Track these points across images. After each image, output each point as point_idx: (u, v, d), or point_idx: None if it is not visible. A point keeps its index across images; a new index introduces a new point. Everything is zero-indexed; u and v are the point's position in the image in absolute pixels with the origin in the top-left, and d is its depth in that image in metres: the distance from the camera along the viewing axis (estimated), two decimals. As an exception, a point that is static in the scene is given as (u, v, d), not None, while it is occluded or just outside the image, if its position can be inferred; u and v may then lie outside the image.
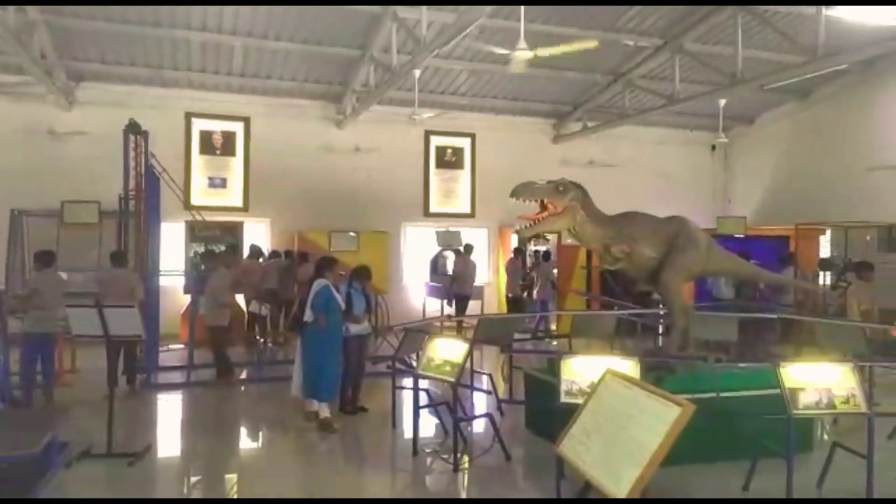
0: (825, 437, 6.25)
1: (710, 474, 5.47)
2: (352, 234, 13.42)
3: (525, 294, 14.27)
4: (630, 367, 5.05)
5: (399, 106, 13.43)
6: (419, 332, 7.10)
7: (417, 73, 10.43)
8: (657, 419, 2.39)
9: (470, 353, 5.88)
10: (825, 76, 12.77)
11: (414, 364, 6.63)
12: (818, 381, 4.87)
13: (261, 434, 7.20)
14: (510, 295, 13.61)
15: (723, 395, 5.54)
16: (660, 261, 6.43)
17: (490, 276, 15.18)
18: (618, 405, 2.67)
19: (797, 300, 11.26)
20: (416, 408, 6.19)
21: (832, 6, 9.29)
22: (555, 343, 11.17)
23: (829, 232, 13.42)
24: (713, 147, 16.30)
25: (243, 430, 7.32)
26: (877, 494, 4.79)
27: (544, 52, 7.63)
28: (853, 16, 9.54)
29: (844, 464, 5.15)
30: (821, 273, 11.79)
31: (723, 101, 12.24)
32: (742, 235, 13.75)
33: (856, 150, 13.16)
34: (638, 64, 12.80)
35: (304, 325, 6.96)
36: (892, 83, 12.28)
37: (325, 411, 6.85)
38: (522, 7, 7.93)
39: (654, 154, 15.83)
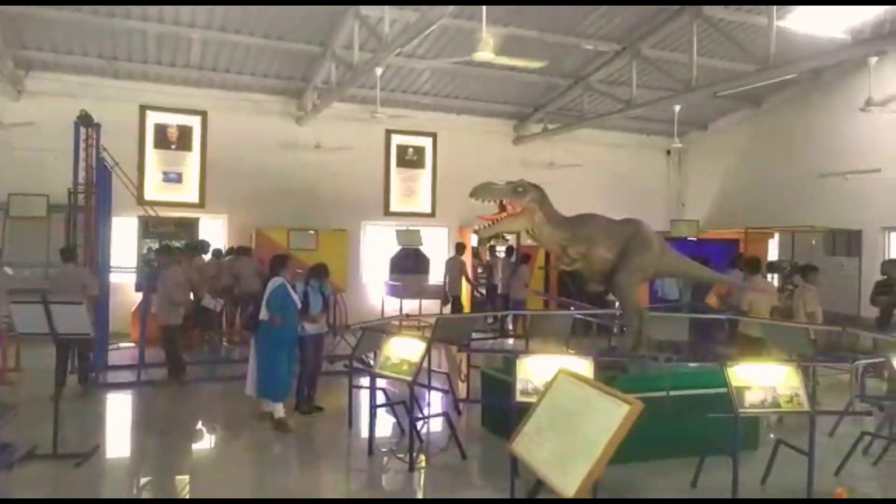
0: (770, 434, 6.45)
1: (660, 471, 5.61)
2: (311, 231, 13.29)
3: (483, 294, 14.38)
4: (584, 366, 5.15)
5: (361, 104, 13.38)
6: (377, 331, 7.08)
7: (379, 71, 10.40)
8: (607, 417, 2.44)
9: (427, 353, 5.88)
10: (776, 85, 13.18)
11: (371, 363, 6.61)
12: (763, 380, 5.05)
13: (214, 434, 7.08)
14: (455, 294, 13.34)
15: (673, 393, 5.68)
16: (615, 262, 6.55)
17: (450, 275, 15.21)
18: (570, 404, 2.71)
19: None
20: (373, 407, 6.18)
21: (783, 17, 9.61)
22: (512, 342, 11.31)
23: (777, 236, 13.86)
24: (668, 152, 16.67)
25: (195, 431, 7.18)
26: (816, 489, 4.96)
27: (500, 60, 7.68)
28: (802, 27, 9.87)
29: (788, 460, 5.34)
30: (769, 275, 12.16)
31: (678, 107, 12.55)
32: (695, 238, 14.12)
33: (804, 157, 13.63)
34: (597, 68, 13.00)
35: (258, 324, 6.87)
36: (838, 93, 12.75)
37: (279, 411, 6.77)
38: (484, 8, 7.98)
39: (611, 157, 16.10)
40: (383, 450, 6.14)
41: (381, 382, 6.70)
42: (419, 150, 15.24)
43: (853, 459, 5.88)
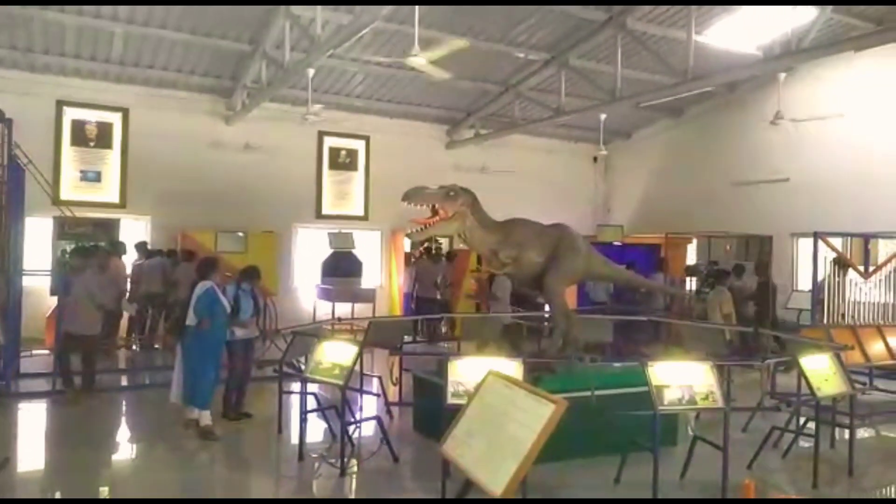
0: (689, 430, 6.75)
1: (586, 469, 5.79)
2: (240, 234, 13.00)
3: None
4: (514, 367, 5.26)
5: (292, 104, 13.20)
6: (308, 335, 7.00)
7: (311, 72, 10.28)
8: (533, 417, 2.52)
9: (359, 357, 5.87)
10: (695, 97, 13.85)
11: (302, 368, 6.53)
12: (681, 379, 5.29)
13: (136, 444, 6.82)
14: (423, 296, 12.99)
15: (598, 393, 5.87)
16: (544, 266, 6.72)
17: (383, 278, 15.20)
18: (498, 404, 2.78)
19: (667, 304, 12.12)
20: (303, 412, 6.11)
21: (701, 32, 10.11)
22: (445, 345, 11.38)
23: (695, 241, 14.54)
24: (595, 159, 17.19)
25: (116, 440, 6.90)
26: (730, 482, 5.23)
27: (431, 55, 7.75)
28: (719, 42, 10.42)
29: (705, 455, 5.60)
30: (687, 279, 12.76)
31: (603, 116, 12.99)
32: (619, 243, 14.62)
33: (720, 167, 14.37)
34: (527, 76, 13.30)
35: (185, 329, 6.66)
36: (751, 106, 13.49)
37: (205, 418, 6.59)
38: (417, 12, 8.04)
39: (541, 163, 16.47)
40: (314, 455, 6.08)
41: (312, 387, 6.64)
42: (352, 153, 15.15)
43: (765, 453, 6.23)
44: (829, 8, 8.78)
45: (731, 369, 8.14)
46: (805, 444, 6.31)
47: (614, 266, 7.90)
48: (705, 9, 10.08)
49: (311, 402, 6.60)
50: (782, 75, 11.30)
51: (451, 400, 5.16)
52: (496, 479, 2.44)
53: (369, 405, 7.81)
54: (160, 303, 10.96)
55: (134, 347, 11.10)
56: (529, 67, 13.01)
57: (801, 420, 6.59)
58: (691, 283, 12.67)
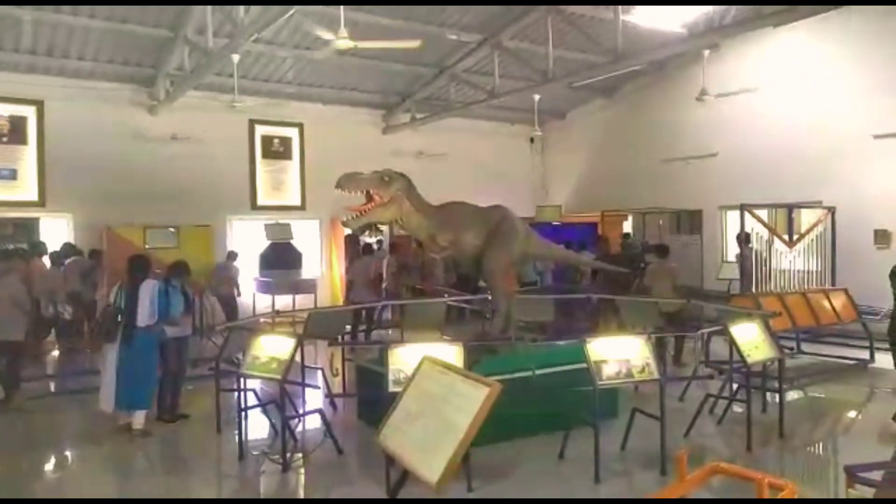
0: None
1: (531, 446, 5.85)
2: (171, 229, 12.52)
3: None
4: (454, 352, 5.24)
5: (219, 92, 12.75)
6: (244, 329, 6.80)
7: (236, 57, 9.93)
8: (468, 401, 2.48)
9: (297, 349, 5.73)
10: (625, 76, 14.10)
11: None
12: (619, 353, 5.39)
13: (67, 453, 6.48)
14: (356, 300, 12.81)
15: (540, 371, 5.92)
16: (483, 248, 6.71)
17: (324, 268, 14.95)
18: (434, 391, 2.73)
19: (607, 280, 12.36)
20: (240, 409, 5.95)
21: (629, 12, 10.24)
22: (389, 333, 11.30)
23: (630, 217, 14.86)
24: (532, 140, 17.30)
25: (45, 451, 6.54)
26: (669, 450, 5.35)
27: (365, 44, 7.59)
28: (646, 21, 10.58)
29: (644, 426, 5.73)
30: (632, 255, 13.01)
31: (537, 97, 13.05)
32: (558, 222, 14.82)
33: (651, 144, 14.70)
34: (461, 58, 13.22)
35: (133, 330, 6.33)
36: (680, 83, 13.80)
37: (139, 421, 6.34)
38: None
39: (479, 145, 16.46)
40: (255, 453, 5.93)
41: (254, 383, 6.47)
42: (286, 141, 14.77)
43: (701, 419, 6.43)
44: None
45: (668, 341, 8.42)
46: (739, 409, 6.53)
47: (552, 245, 7.98)
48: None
49: (252, 399, 6.45)
50: (706, 52, 11.59)
51: (392, 388, 5.10)
52: (433, 466, 2.39)
53: (313, 398, 7.68)
54: (81, 304, 10.45)
55: (59, 351, 10.57)
56: (463, 49, 12.93)
57: (734, 386, 6.82)
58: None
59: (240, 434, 5.89)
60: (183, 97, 12.09)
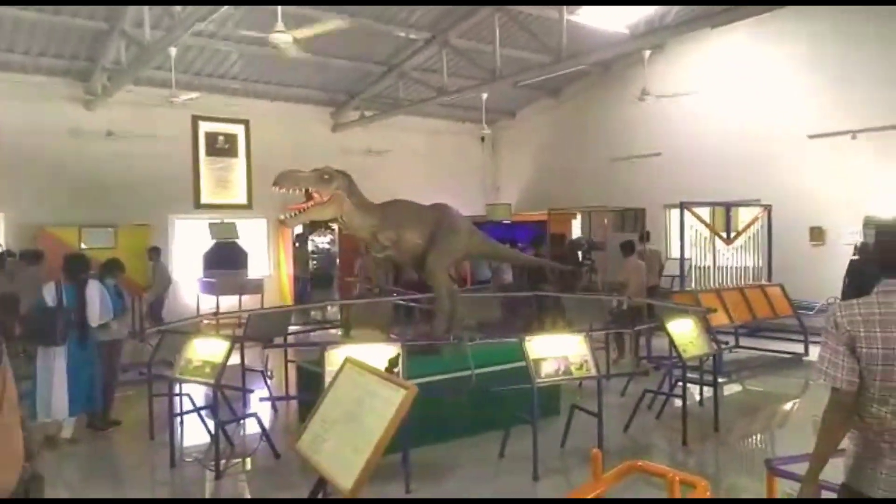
0: (578, 398, 6.90)
1: (472, 446, 5.83)
2: (108, 228, 12.10)
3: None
4: (393, 351, 5.17)
5: (160, 87, 12.35)
6: (179, 332, 6.59)
7: (174, 51, 9.65)
8: (385, 404, 2.42)
9: (230, 352, 5.56)
10: (571, 76, 14.25)
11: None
12: (557, 351, 5.41)
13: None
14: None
15: (481, 371, 5.89)
16: (425, 247, 6.66)
17: (271, 268, 14.69)
18: (352, 394, 2.66)
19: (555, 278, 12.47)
20: (173, 415, 5.76)
21: (574, 12, 10.33)
22: (338, 333, 11.14)
23: (578, 216, 15.03)
24: (482, 138, 17.35)
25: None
26: (607, 447, 5.40)
27: (300, 33, 7.44)
28: (591, 22, 10.69)
29: (584, 423, 5.76)
30: (576, 253, 13.15)
31: (485, 96, 13.07)
32: (508, 221, 14.88)
33: (597, 143, 14.91)
34: (409, 56, 13.14)
35: (86, 331, 6.09)
36: (623, 84, 14.03)
37: (68, 429, 6.07)
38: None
39: (429, 144, 16.43)
40: (188, 460, 5.75)
41: (191, 387, 6.27)
42: (231, 138, 14.44)
43: (641, 415, 6.52)
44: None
45: (610, 337, 8.53)
46: (678, 403, 6.63)
47: (495, 244, 7.98)
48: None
49: (187, 404, 6.26)
50: (647, 53, 11.79)
51: (328, 390, 5.00)
52: (347, 473, 2.32)
53: (253, 401, 7.50)
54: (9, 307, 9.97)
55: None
56: (411, 47, 12.85)
57: (673, 381, 6.93)
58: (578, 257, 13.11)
59: (172, 441, 5.69)
60: (121, 92, 11.69)
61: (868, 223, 10.08)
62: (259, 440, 5.84)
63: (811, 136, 11.48)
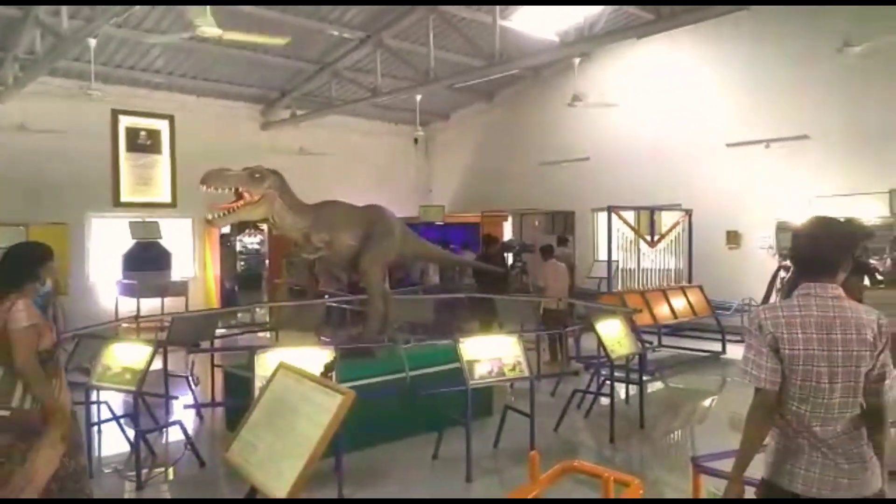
0: (512, 399, 6.99)
1: (405, 448, 5.81)
2: (20, 227, 11.38)
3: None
4: (326, 356, 5.08)
5: (78, 79, 11.73)
6: (97, 337, 6.27)
7: (93, 42, 9.17)
8: (321, 410, 2.37)
9: (153, 357, 5.34)
10: (504, 80, 14.44)
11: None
12: (491, 352, 5.46)
13: None
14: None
15: (416, 373, 5.89)
16: (358, 248, 6.60)
17: (196, 269, 14.19)
18: (286, 400, 2.60)
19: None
20: (90, 424, 5.47)
21: (507, 17, 10.48)
22: (268, 336, 10.89)
23: (510, 218, 15.27)
24: (416, 140, 17.34)
25: None
26: (538, 445, 5.49)
27: (231, 35, 7.23)
28: (523, 27, 10.87)
29: (517, 423, 5.84)
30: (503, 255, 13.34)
31: (419, 97, 13.07)
32: (441, 223, 14.93)
33: (529, 147, 15.19)
34: (343, 55, 12.98)
35: None
36: (554, 90, 14.33)
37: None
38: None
39: (362, 144, 16.28)
40: (106, 471, 5.48)
41: (110, 395, 5.97)
42: (154, 134, 13.86)
43: (570, 414, 6.67)
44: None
45: (541, 338, 8.68)
46: (606, 402, 6.82)
47: (430, 245, 7.99)
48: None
49: (106, 412, 5.96)
50: (577, 60, 12.10)
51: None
52: (280, 482, 2.26)
53: (178, 408, 7.23)
54: None
55: None
56: (345, 46, 12.69)
57: (601, 380, 7.11)
58: (509, 259, 13.31)
59: (89, 451, 5.40)
60: (35, 83, 11.01)
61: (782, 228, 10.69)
62: (183, 449, 5.63)
63: (728, 145, 12.06)
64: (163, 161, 13.93)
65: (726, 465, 2.49)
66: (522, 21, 10.86)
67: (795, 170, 11.34)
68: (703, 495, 3.35)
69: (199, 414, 6.93)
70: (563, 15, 10.24)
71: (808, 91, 11.14)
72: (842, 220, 2.67)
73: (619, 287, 9.94)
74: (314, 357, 5.05)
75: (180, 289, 12.51)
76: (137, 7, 8.42)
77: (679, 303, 10.03)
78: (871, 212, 10.19)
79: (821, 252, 2.46)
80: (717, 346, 9.89)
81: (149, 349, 5.29)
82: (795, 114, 11.27)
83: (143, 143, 13.69)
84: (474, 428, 5.34)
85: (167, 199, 13.92)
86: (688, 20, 8.83)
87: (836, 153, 10.89)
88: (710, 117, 12.41)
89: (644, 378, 6.97)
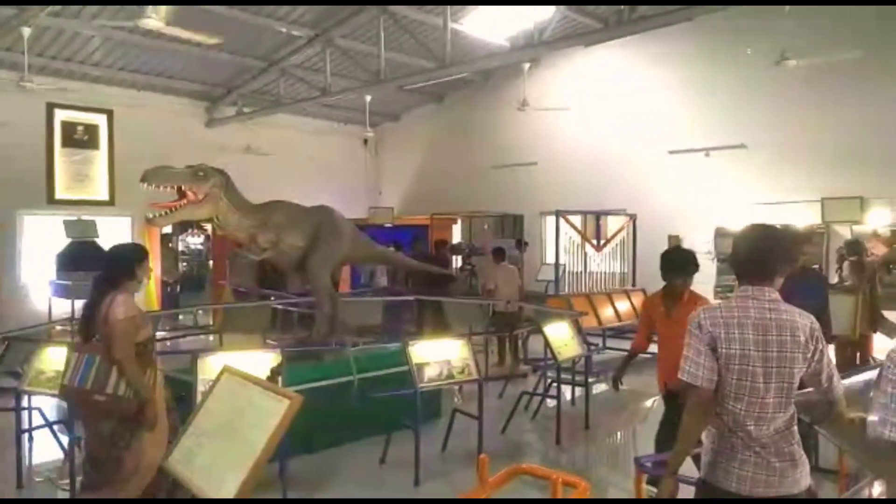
0: (458, 401, 6.98)
1: (353, 452, 5.75)
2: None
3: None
4: (272, 359, 4.98)
5: (9, 70, 11.21)
6: (28, 340, 5.98)
7: (27, 31, 8.78)
8: (267, 415, 2.32)
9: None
10: (454, 83, 14.51)
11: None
12: (439, 355, 5.46)
13: None
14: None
15: (364, 376, 5.83)
16: (306, 250, 6.50)
17: (135, 270, 13.70)
18: (231, 405, 2.53)
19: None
20: (21, 431, 5.21)
21: (458, 21, 10.53)
22: (211, 339, 10.62)
23: (459, 221, 15.33)
24: (365, 141, 17.22)
25: None
26: (486, 447, 5.51)
27: (171, 30, 7.02)
28: (474, 31, 10.95)
29: (465, 426, 5.85)
30: (453, 257, 13.40)
31: (369, 98, 12.99)
32: (391, 225, 14.87)
33: (478, 151, 15.29)
34: (292, 52, 12.79)
35: None
36: (504, 94, 14.45)
37: None
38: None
39: (311, 144, 16.06)
40: (38, 479, 5.23)
41: (43, 401, 5.70)
42: (91, 129, 13.33)
43: (518, 416, 6.72)
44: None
45: (489, 340, 8.74)
46: (553, 404, 6.91)
47: (379, 248, 7.94)
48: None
49: (38, 419, 5.69)
50: (526, 66, 12.25)
51: (201, 400, 4.73)
52: (223, 489, 2.20)
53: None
54: None
55: None
56: (293, 43, 12.51)
57: (548, 382, 7.21)
58: (457, 262, 13.36)
59: (19, 459, 5.15)
60: (-39, 73, 10.48)
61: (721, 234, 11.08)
62: (121, 456, 5.41)
63: (671, 152, 12.42)
64: (100, 157, 13.41)
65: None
66: (473, 25, 10.94)
67: (734, 177, 11.76)
68: (645, 495, 3.42)
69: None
70: (513, 20, 10.36)
71: (747, 102, 11.56)
72: (779, 227, 2.77)
73: (566, 290, 10.10)
74: (260, 361, 4.94)
75: (118, 290, 12.06)
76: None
77: (623, 306, 10.25)
78: (803, 219, 10.66)
79: (759, 258, 2.55)
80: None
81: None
82: (734, 124, 11.68)
83: (79, 139, 13.15)
84: (423, 431, 5.33)
85: (105, 196, 13.42)
86: (633, 30, 9.07)
87: (773, 162, 11.34)
88: (654, 125, 12.75)
89: (589, 380, 7.07)
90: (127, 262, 3.92)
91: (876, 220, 10.59)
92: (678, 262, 4.58)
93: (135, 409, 3.58)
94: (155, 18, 6.52)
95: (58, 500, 5.05)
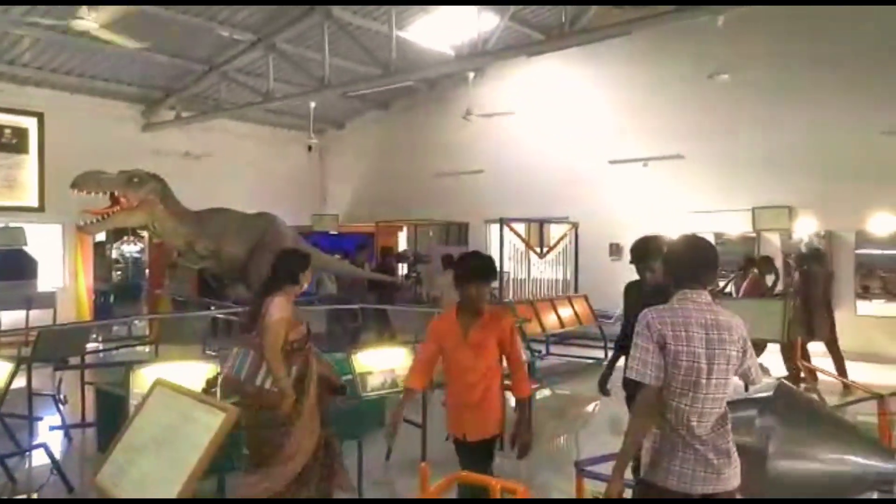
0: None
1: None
2: None
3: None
4: (209, 370, 4.85)
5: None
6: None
7: (-51, 29, 8.34)
8: (202, 428, 2.26)
9: (14, 375, 4.89)
10: (400, 91, 14.52)
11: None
12: (384, 363, 5.43)
13: None
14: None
15: (306, 386, 5.74)
16: (247, 258, 6.39)
17: (66, 279, 13.14)
18: (165, 419, 2.45)
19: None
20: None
21: (403, 28, 10.55)
22: (147, 350, 10.27)
23: (405, 228, 15.31)
24: (309, 147, 16.99)
25: None
26: (430, 456, 5.51)
27: (103, 33, 6.81)
28: (419, 39, 10.99)
29: (409, 434, 5.82)
30: (399, 265, 13.37)
31: (313, 104, 12.87)
32: (335, 232, 14.74)
33: (424, 158, 15.33)
34: (233, 57, 12.56)
35: None
36: (449, 102, 14.56)
37: None
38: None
39: (253, 150, 15.78)
40: (-44, 502, 4.94)
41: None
42: (20, 132, 12.77)
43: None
44: (510, 13, 9.79)
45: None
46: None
47: (324, 256, 7.88)
48: (406, 6, 10.53)
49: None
50: (471, 75, 12.38)
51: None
52: (155, 506, 2.13)
53: (42, 430, 6.65)
54: None
55: None
56: (235, 47, 12.28)
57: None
58: (402, 269, 13.34)
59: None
60: None
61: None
62: (49, 474, 5.17)
63: (611, 162, 12.74)
64: (30, 161, 12.86)
65: (607, 468, 2.60)
66: (418, 33, 10.99)
67: (671, 187, 12.14)
68: (590, 495, 3.49)
69: (67, 436, 6.40)
70: (458, 29, 10.44)
71: (683, 114, 11.97)
72: (704, 238, 2.92)
73: (511, 297, 10.21)
74: (196, 372, 4.81)
75: (47, 300, 11.58)
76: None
77: (566, 312, 10.43)
78: (735, 227, 11.10)
79: (690, 265, 2.70)
80: (600, 354, 10.35)
81: (10, 366, 4.84)
82: (671, 135, 12.07)
83: (7, 142, 12.59)
84: (366, 440, 5.28)
85: (34, 202, 12.85)
86: (574, 42, 9.28)
87: (708, 172, 11.77)
88: (595, 135, 13.06)
89: (532, 386, 7.14)
90: (293, 269, 4.16)
91: (803, 228, 11.13)
92: (477, 266, 3.79)
93: (277, 402, 3.84)
94: (88, 20, 6.28)
95: (59, 500, 4.87)
